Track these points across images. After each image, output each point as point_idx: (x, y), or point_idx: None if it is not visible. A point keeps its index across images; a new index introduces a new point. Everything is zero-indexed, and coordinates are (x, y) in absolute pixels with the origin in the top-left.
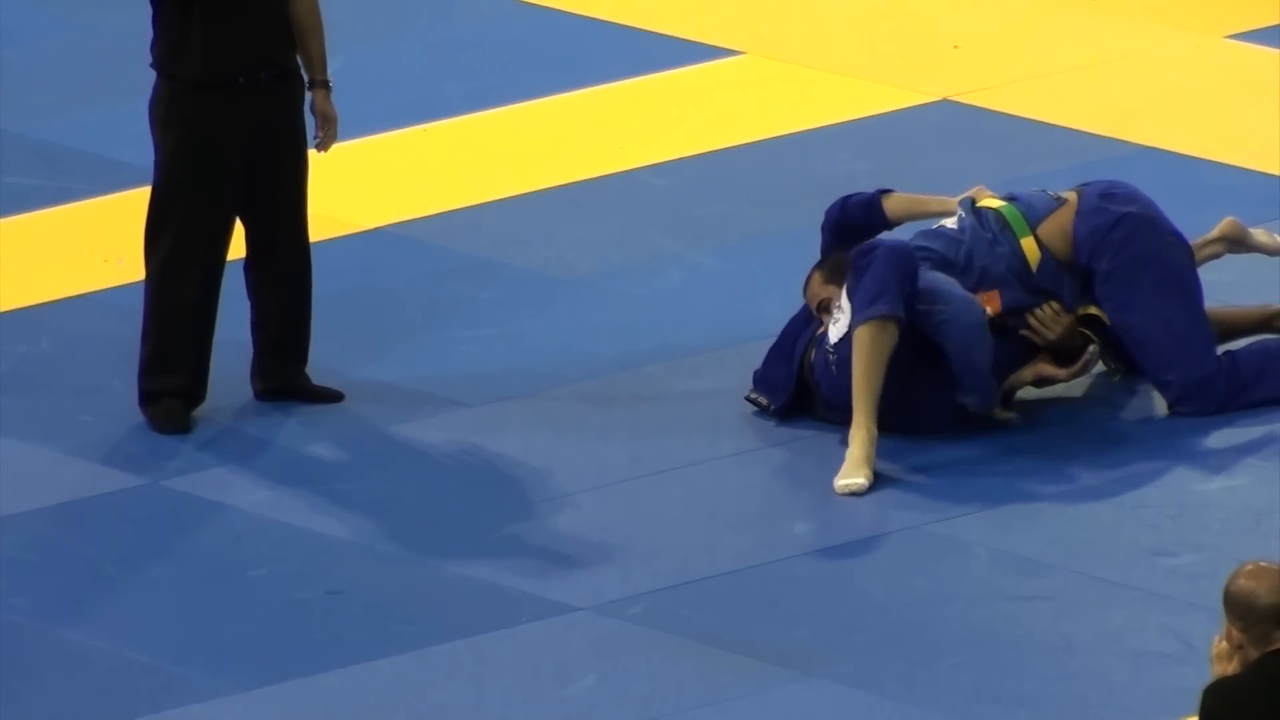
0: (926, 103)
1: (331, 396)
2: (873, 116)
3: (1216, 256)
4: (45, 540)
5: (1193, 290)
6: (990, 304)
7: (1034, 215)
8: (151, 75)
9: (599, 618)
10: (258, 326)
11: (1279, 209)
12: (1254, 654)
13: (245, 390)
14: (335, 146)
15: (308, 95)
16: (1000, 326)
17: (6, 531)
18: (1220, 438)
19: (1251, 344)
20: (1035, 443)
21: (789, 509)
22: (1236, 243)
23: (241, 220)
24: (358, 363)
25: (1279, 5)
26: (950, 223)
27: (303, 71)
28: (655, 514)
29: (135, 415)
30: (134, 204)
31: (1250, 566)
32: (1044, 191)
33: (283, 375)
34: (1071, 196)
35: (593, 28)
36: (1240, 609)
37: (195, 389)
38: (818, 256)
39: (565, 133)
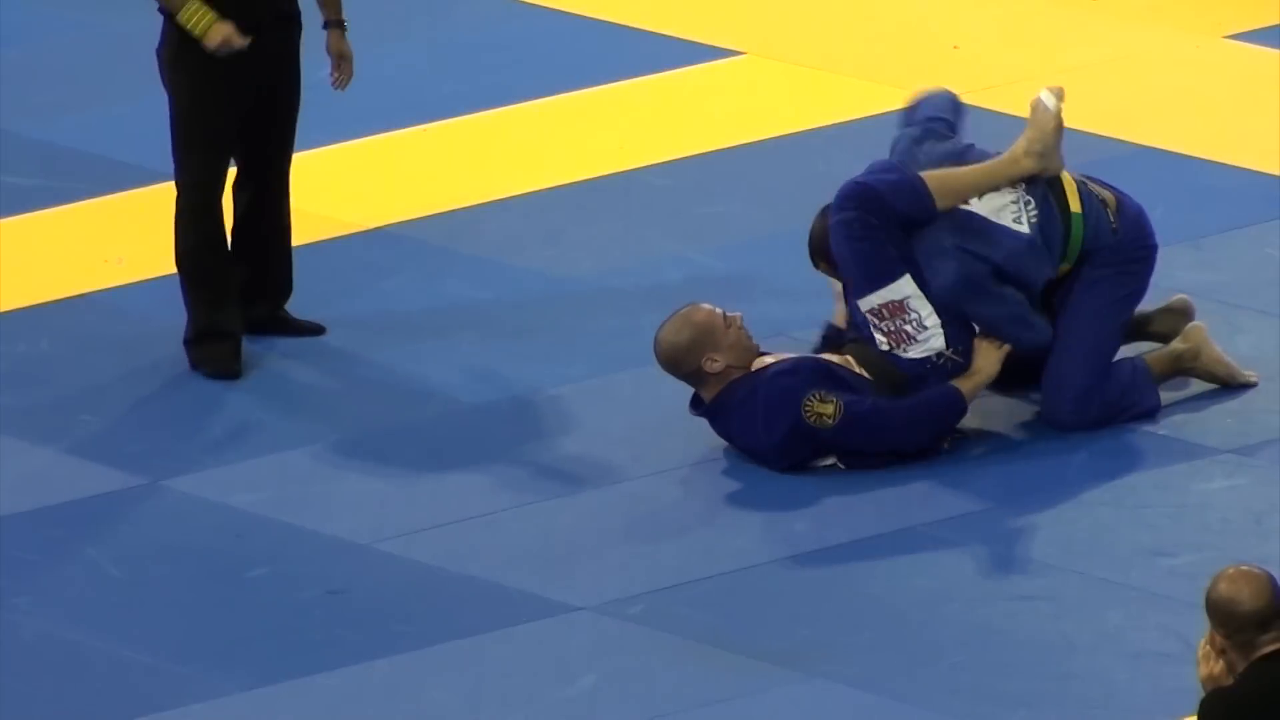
0: None
1: (313, 329)
2: (873, 116)
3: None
4: (45, 540)
5: (1127, 327)
6: None
7: (1091, 242)
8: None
9: (599, 618)
10: (241, 257)
11: (1279, 209)
12: (1237, 659)
13: (247, 391)
14: (336, 146)
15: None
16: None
17: (6, 531)
18: (1220, 438)
19: (1119, 362)
20: (1035, 443)
21: (789, 509)
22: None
23: (235, 153)
24: (357, 362)
25: (1279, 5)
26: (1015, 220)
27: (321, 12)
28: (655, 514)
29: (135, 415)
30: (134, 204)
31: (1231, 571)
32: (1105, 209)
33: (266, 306)
34: (1114, 210)
35: (593, 28)
36: (1222, 615)
37: (239, 326)
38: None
39: (565, 133)
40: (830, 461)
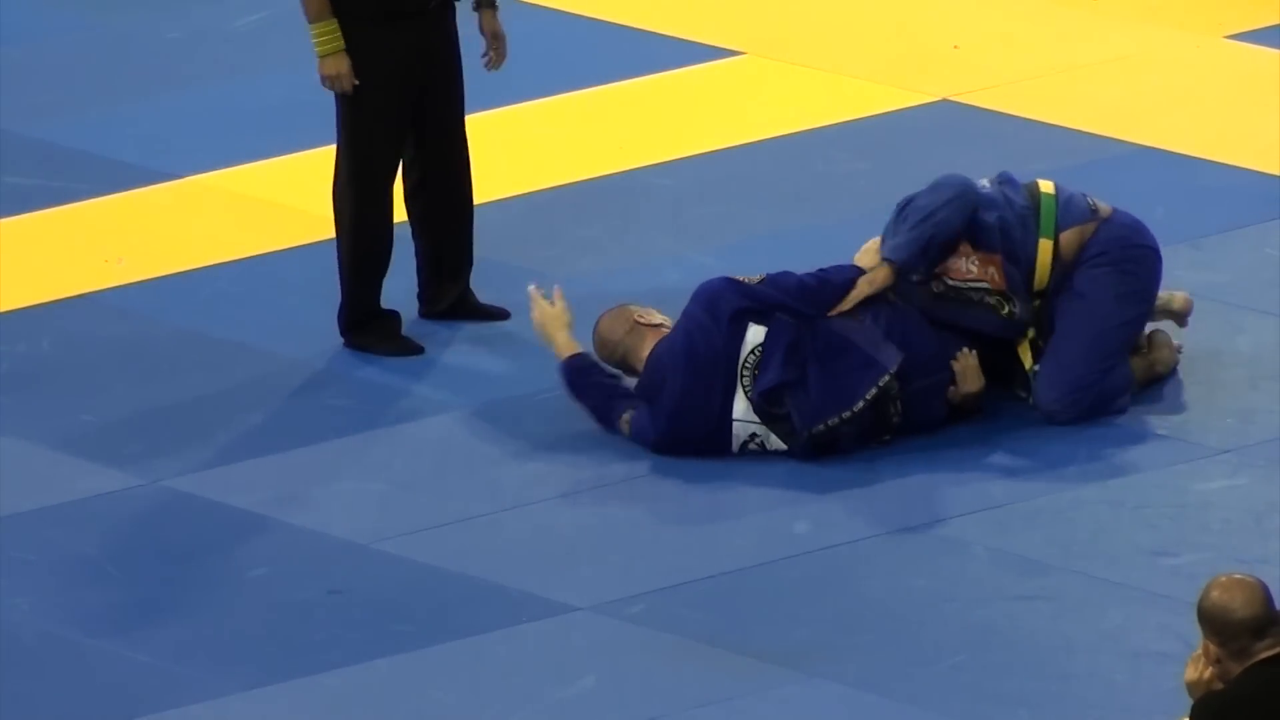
0: (926, 103)
1: (499, 314)
2: (873, 116)
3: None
4: (45, 540)
5: (1139, 324)
6: (993, 267)
7: (1066, 217)
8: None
9: (599, 618)
10: (426, 250)
11: (1279, 209)
12: (1233, 666)
13: (247, 391)
14: (333, 148)
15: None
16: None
17: (6, 531)
18: (1221, 438)
19: (1122, 365)
20: (1035, 443)
21: (789, 509)
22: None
23: (409, 145)
24: (357, 362)
25: (1279, 5)
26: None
27: None
28: (655, 514)
29: (135, 415)
30: (134, 204)
31: (1223, 579)
32: (1085, 197)
33: (451, 293)
34: (1106, 210)
35: (593, 28)
36: (1216, 624)
37: (392, 312)
38: (816, 255)
39: (565, 133)
40: (840, 419)
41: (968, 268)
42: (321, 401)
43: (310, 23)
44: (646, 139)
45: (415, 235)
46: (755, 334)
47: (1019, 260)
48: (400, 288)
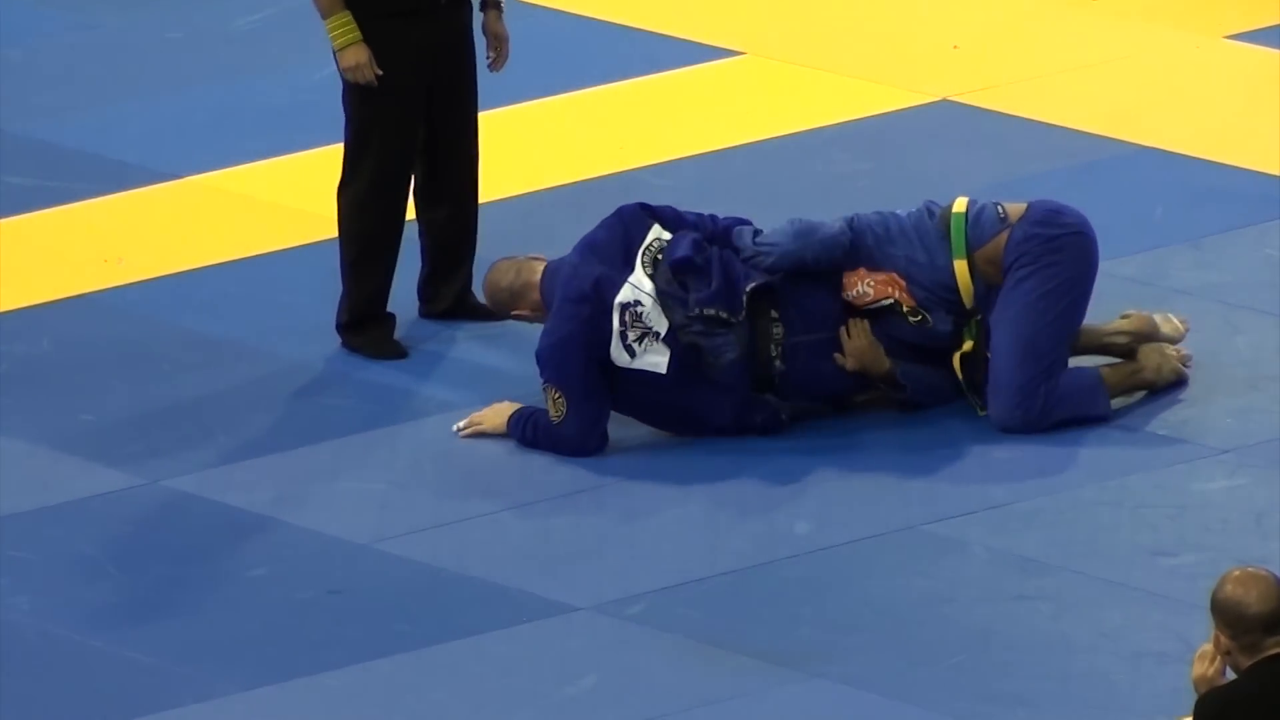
0: (926, 103)
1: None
2: (873, 116)
3: (1119, 346)
4: (45, 540)
5: (1072, 314)
6: (898, 287)
7: (977, 235)
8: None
9: (599, 618)
10: (429, 249)
11: (1279, 209)
12: (1242, 660)
13: (247, 391)
14: (336, 147)
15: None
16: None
17: (6, 531)
18: (1220, 438)
19: (1075, 369)
20: (1035, 443)
21: (789, 509)
22: (1147, 337)
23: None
24: (357, 362)
25: (1279, 5)
26: (902, 210)
27: None
28: (655, 514)
29: (135, 415)
30: (134, 204)
31: (1238, 573)
32: (996, 206)
33: (452, 293)
34: (1016, 212)
35: (593, 28)
36: (1229, 616)
37: (388, 314)
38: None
39: (565, 133)
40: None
41: (863, 290)
42: (321, 401)
43: (324, 18)
44: (646, 139)
45: (420, 233)
46: (659, 231)
47: (928, 284)
48: (400, 288)
